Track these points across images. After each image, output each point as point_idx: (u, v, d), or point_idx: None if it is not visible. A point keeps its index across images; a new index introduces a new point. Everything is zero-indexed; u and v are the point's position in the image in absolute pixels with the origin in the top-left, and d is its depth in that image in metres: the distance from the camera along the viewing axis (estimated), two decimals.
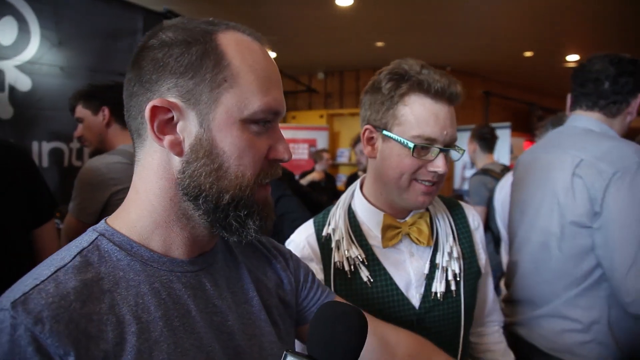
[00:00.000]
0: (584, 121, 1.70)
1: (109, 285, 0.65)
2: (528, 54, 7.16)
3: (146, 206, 0.71)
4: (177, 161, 0.69)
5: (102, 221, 0.74)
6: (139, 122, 0.71)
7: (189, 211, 0.72)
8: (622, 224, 1.43)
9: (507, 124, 7.25)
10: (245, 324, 0.78)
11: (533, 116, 9.04)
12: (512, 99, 8.96)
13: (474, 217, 1.38)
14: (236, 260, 0.86)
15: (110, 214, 0.77)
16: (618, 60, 1.64)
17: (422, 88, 1.13)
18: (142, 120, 0.70)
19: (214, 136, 0.68)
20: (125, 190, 0.84)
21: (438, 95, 1.13)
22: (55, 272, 0.63)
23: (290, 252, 0.99)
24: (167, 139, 0.68)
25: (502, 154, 7.09)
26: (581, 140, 1.62)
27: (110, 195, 1.99)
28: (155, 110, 0.67)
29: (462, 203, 1.40)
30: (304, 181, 5.56)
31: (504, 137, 7.12)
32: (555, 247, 1.60)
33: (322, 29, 6.07)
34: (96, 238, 0.69)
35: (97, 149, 2.27)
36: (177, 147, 0.68)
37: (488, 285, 1.41)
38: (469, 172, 7.55)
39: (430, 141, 1.13)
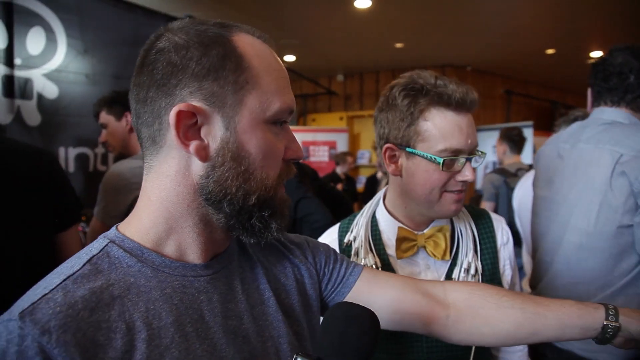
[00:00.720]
0: (610, 114, 1.64)
1: (119, 292, 0.64)
2: (550, 51, 7.05)
3: (161, 213, 0.70)
4: (199, 166, 0.68)
5: (113, 228, 0.73)
6: (155, 128, 0.69)
7: (207, 216, 0.71)
8: None
9: (530, 122, 7.15)
10: (261, 326, 0.77)
11: (556, 114, 8.90)
12: (534, 98, 8.84)
13: (504, 232, 1.34)
14: (251, 259, 0.85)
15: None
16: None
17: (443, 101, 1.13)
18: (159, 127, 0.68)
19: (240, 139, 0.68)
20: None
21: (459, 106, 1.13)
22: (64, 280, 0.62)
23: (306, 239, 0.98)
24: (193, 144, 0.67)
25: (525, 153, 6.97)
26: (614, 134, 1.55)
27: (134, 199, 2.03)
28: (180, 115, 0.65)
29: (493, 215, 1.37)
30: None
31: (527, 136, 7.03)
32: (594, 247, 1.54)
33: (341, 31, 6.09)
34: (106, 245, 0.69)
35: (120, 153, 2.34)
36: (202, 152, 0.67)
37: None
38: None
39: (457, 152, 1.13)
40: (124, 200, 2.05)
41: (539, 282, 1.78)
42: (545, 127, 7.68)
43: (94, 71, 2.83)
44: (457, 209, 1.19)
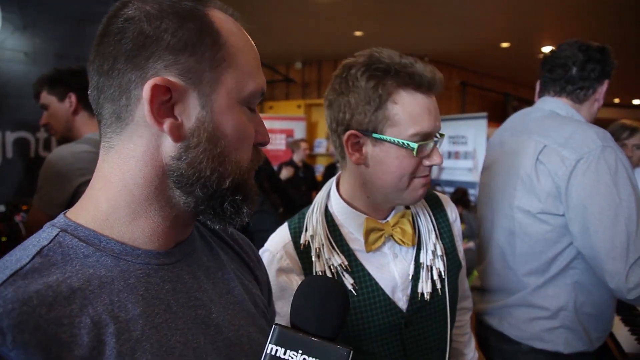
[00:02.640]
0: (550, 103, 1.71)
1: (79, 284, 0.58)
2: (505, 44, 7.21)
3: (124, 197, 0.64)
4: (171, 147, 0.63)
5: (61, 215, 0.66)
6: (122, 103, 0.62)
7: (175, 200, 0.66)
8: (592, 209, 1.42)
9: (484, 114, 7.31)
10: (231, 315, 0.74)
11: (509, 106, 9.14)
12: (488, 90, 9.04)
13: (452, 209, 1.33)
14: (212, 248, 0.81)
15: None
16: (586, 47, 1.66)
17: (414, 82, 1.06)
18: (127, 102, 0.62)
19: (216, 119, 0.64)
20: None
21: (430, 87, 1.08)
22: (11, 275, 0.55)
23: (259, 257, 0.94)
24: (167, 122, 0.61)
25: (478, 143, 7.16)
26: (545, 124, 1.62)
27: (79, 186, 1.89)
28: (156, 89, 0.60)
29: (440, 195, 1.36)
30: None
31: (481, 127, 7.20)
32: (520, 233, 1.60)
33: (300, 17, 6.00)
34: (57, 234, 0.62)
35: (63, 137, 2.17)
36: (176, 131, 0.62)
37: (462, 274, 1.38)
38: (447, 162, 7.62)
39: (427, 136, 1.08)
40: (68, 187, 1.90)
41: (480, 265, 1.85)
42: (499, 118, 7.86)
43: (35, 49, 2.63)
44: (424, 193, 1.15)
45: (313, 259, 1.15)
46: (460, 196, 5.75)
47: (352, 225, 1.20)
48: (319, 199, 1.25)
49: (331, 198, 1.25)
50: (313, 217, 1.21)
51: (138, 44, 0.61)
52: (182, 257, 0.71)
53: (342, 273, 1.14)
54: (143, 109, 0.61)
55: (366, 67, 1.07)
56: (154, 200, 0.65)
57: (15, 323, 0.51)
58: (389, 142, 1.07)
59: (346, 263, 1.15)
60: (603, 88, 1.69)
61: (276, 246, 1.18)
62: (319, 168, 8.19)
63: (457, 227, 1.32)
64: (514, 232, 1.62)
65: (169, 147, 0.63)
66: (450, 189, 6.70)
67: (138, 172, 0.64)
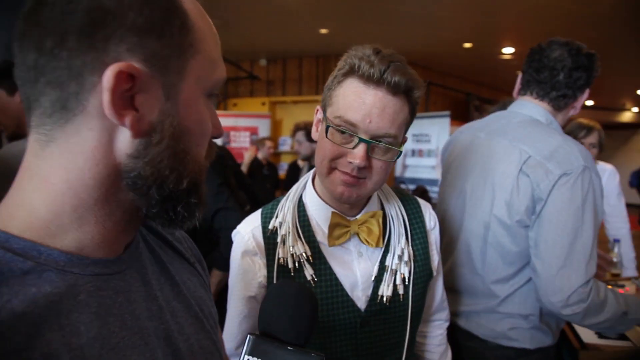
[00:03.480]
0: (530, 109, 1.66)
1: (22, 309, 0.48)
2: (467, 45, 7.33)
3: (69, 200, 0.55)
4: (128, 143, 0.55)
5: None
6: (70, 90, 0.52)
7: (127, 203, 0.59)
8: (557, 224, 1.43)
9: (447, 112, 7.43)
10: (180, 324, 0.68)
11: (471, 105, 9.32)
12: (451, 89, 9.19)
13: (431, 216, 1.31)
14: (154, 250, 0.74)
15: None
16: (576, 51, 1.60)
17: (355, 71, 1.05)
18: (78, 89, 0.52)
19: (181, 112, 0.57)
20: None
21: (370, 80, 1.03)
22: None
23: (199, 255, 0.87)
24: (129, 114, 0.53)
25: (441, 141, 7.27)
26: (529, 133, 1.57)
27: None
28: (120, 77, 0.51)
29: (421, 201, 1.33)
30: (244, 166, 5.42)
31: (444, 126, 7.31)
32: (494, 242, 1.58)
33: (265, 13, 5.92)
34: None
35: (15, 133, 2.06)
36: (137, 126, 0.54)
37: (438, 286, 1.37)
38: (410, 160, 7.71)
39: (350, 126, 1.04)
40: None
41: (444, 265, 1.79)
42: (461, 117, 8.02)
43: None
44: (344, 192, 1.08)
45: (277, 244, 1.14)
46: (420, 194, 5.82)
47: (320, 218, 1.19)
48: (295, 187, 1.25)
49: (306, 188, 1.24)
50: (285, 205, 1.21)
51: (95, 20, 0.51)
52: (132, 263, 0.64)
53: (303, 263, 1.13)
54: (99, 99, 0.52)
55: (346, 56, 1.10)
56: (104, 205, 0.57)
57: None
58: (323, 119, 1.10)
59: (309, 253, 1.14)
60: (584, 97, 1.66)
61: (246, 229, 1.19)
62: (284, 166, 8.14)
63: (434, 236, 1.30)
64: (487, 241, 1.60)
65: (125, 143, 0.55)
66: (414, 187, 6.80)
67: (87, 171, 0.55)
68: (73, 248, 0.56)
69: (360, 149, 1.04)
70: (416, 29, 6.46)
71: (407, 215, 1.26)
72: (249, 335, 0.57)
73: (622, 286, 2.28)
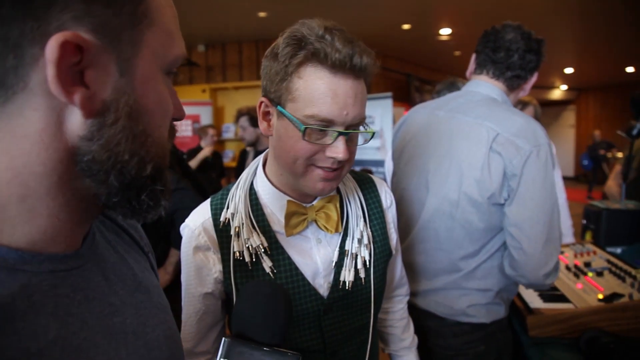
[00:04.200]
0: (487, 88, 1.70)
1: None
2: (406, 26, 7.44)
3: (16, 190, 0.49)
4: (79, 124, 0.49)
5: None
6: (8, 65, 0.46)
7: (83, 191, 0.53)
8: (537, 201, 1.47)
9: (389, 94, 7.53)
10: (145, 316, 0.64)
11: (411, 86, 9.50)
12: (391, 70, 9.32)
13: (387, 195, 1.28)
14: (109, 240, 0.68)
15: None
16: (528, 35, 1.65)
17: (318, 58, 0.95)
18: (16, 63, 0.46)
19: (138, 89, 0.52)
20: None
21: (337, 67, 0.95)
22: None
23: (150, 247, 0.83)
24: (79, 92, 0.47)
25: (385, 122, 7.37)
26: (492, 111, 1.59)
27: None
28: (64, 48, 0.45)
29: (375, 178, 1.30)
30: (195, 161, 5.27)
31: (387, 107, 7.41)
32: (461, 219, 1.59)
33: None
34: None
35: None
36: (88, 104, 0.48)
37: (397, 263, 1.36)
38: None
39: (327, 122, 0.97)
40: None
41: (403, 241, 1.79)
42: (402, 98, 8.17)
43: None
44: (325, 188, 1.04)
45: (232, 237, 1.09)
46: None
47: (274, 206, 1.13)
48: (244, 175, 1.17)
49: (257, 175, 1.17)
50: (236, 195, 1.14)
51: None
52: (91, 256, 0.59)
53: (260, 255, 1.09)
54: (42, 74, 0.46)
55: (290, 33, 0.99)
56: (57, 193, 0.51)
57: None
58: (287, 117, 0.99)
59: (266, 245, 1.09)
60: (533, 79, 1.71)
61: (195, 222, 1.11)
62: (228, 154, 8.00)
63: (391, 214, 1.28)
64: (454, 217, 1.60)
65: (76, 124, 0.49)
66: (359, 169, 6.85)
67: (35, 157, 0.49)
68: (23, 244, 0.50)
69: (340, 142, 0.99)
70: (355, 11, 6.47)
71: (364, 196, 1.23)
72: (223, 338, 0.57)
73: (562, 252, 2.40)
